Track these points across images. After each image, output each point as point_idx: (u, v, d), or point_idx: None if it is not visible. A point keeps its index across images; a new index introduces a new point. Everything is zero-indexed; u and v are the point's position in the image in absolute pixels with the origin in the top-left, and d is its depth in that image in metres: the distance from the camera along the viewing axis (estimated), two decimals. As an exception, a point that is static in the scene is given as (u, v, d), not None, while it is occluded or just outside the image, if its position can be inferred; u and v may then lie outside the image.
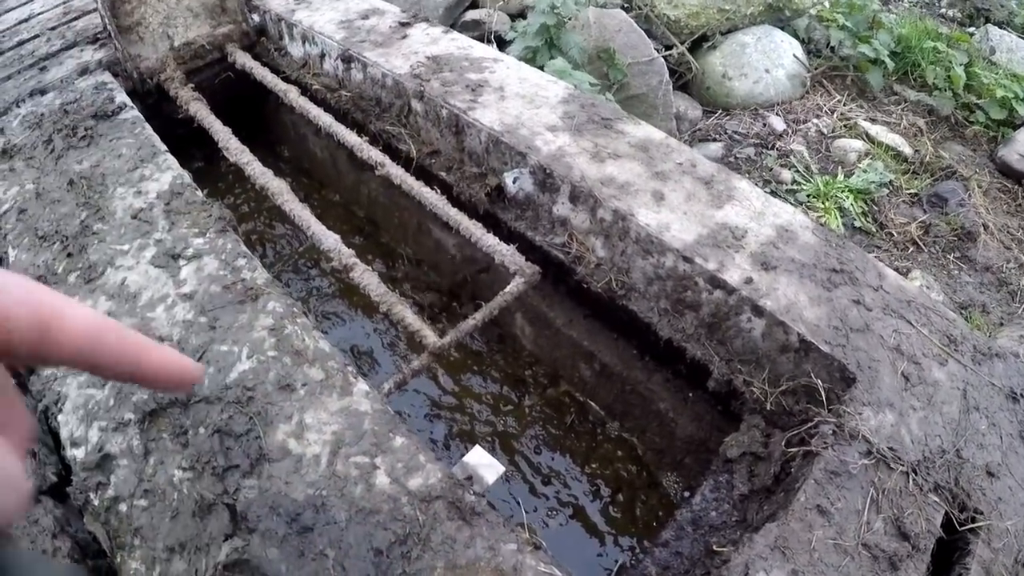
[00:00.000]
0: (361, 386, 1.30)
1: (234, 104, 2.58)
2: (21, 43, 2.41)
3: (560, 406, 2.07)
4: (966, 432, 1.37)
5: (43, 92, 2.11)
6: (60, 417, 1.32)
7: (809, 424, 1.38)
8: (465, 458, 1.37)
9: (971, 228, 3.64)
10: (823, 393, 1.42)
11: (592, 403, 2.06)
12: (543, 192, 1.82)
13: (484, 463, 1.36)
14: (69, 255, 1.59)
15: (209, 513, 1.14)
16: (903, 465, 1.28)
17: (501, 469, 1.37)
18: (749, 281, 1.53)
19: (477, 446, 1.41)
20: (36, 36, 2.44)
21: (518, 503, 1.86)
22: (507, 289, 1.67)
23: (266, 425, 1.24)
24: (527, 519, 1.82)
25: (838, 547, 1.17)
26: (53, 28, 2.49)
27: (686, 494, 1.84)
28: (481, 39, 3.75)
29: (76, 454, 1.26)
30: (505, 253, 1.72)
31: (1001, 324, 3.21)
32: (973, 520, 1.26)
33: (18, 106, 2.06)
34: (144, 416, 1.28)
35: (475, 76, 2.10)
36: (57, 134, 1.92)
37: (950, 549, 1.27)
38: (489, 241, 1.75)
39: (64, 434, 1.31)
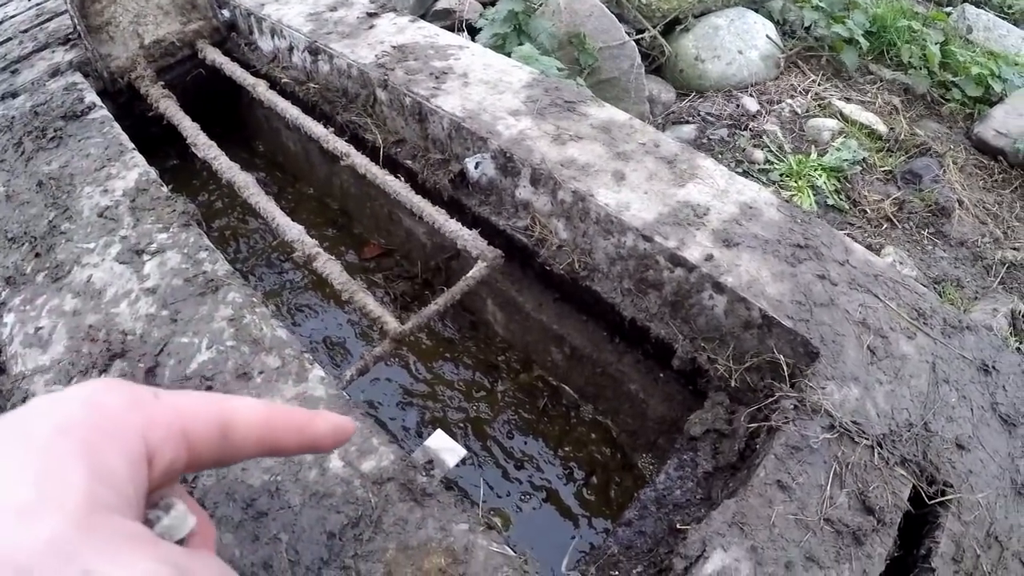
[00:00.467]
0: (317, 372, 1.30)
1: (208, 101, 2.58)
2: (-8, 46, 2.40)
3: (533, 391, 2.08)
4: (935, 405, 1.37)
5: (14, 95, 2.10)
6: (28, 414, 1.32)
7: (771, 399, 1.39)
8: (426, 442, 1.37)
9: (945, 204, 3.65)
10: (786, 368, 1.43)
11: (565, 386, 2.07)
12: (505, 176, 1.83)
13: (445, 447, 1.36)
14: (37, 255, 1.59)
15: (166, 502, 1.14)
16: (868, 439, 1.28)
17: (462, 452, 1.37)
18: (710, 258, 1.54)
19: (439, 430, 1.42)
20: (8, 39, 2.43)
21: (491, 487, 1.86)
22: (469, 274, 1.67)
23: (224, 413, 1.24)
24: (499, 504, 1.82)
25: (799, 522, 1.17)
26: (25, 31, 2.48)
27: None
28: (452, 28, 3.75)
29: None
30: (467, 238, 1.72)
31: (976, 298, 3.22)
32: (943, 493, 1.26)
33: (-10, 111, 2.06)
34: (106, 409, 1.28)
35: (440, 64, 2.11)
36: (27, 136, 1.91)
37: (920, 523, 1.28)
38: (452, 227, 1.75)
39: (31, 431, 1.31)
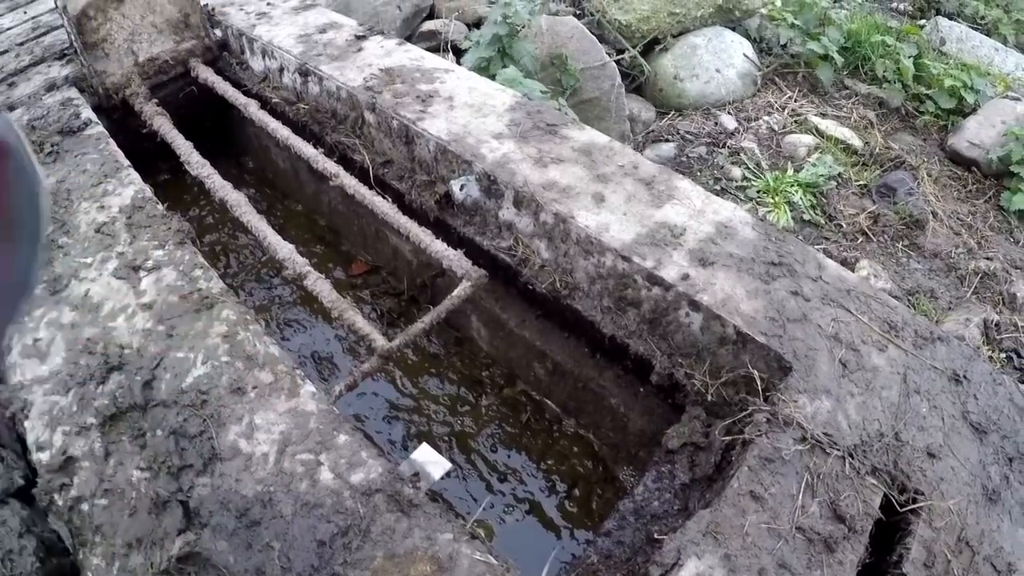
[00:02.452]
0: (308, 388, 1.35)
1: (199, 118, 2.62)
2: (-11, 60, 2.44)
3: (516, 405, 2.12)
4: (906, 415, 1.42)
5: (11, 108, 2.14)
6: (27, 423, 1.37)
7: (745, 413, 1.43)
8: (412, 455, 1.41)
9: (920, 216, 3.70)
10: (759, 383, 1.47)
11: (548, 401, 2.11)
12: (489, 198, 1.88)
13: (431, 460, 1.40)
14: (35, 269, 1.63)
15: (164, 510, 1.19)
16: (839, 450, 1.33)
17: (448, 465, 1.41)
18: (686, 277, 1.58)
19: (424, 444, 1.46)
20: (5, 52, 2.47)
21: (474, 499, 1.90)
22: (455, 292, 1.72)
23: (219, 426, 1.29)
24: (481, 515, 1.86)
25: (772, 531, 1.21)
26: (22, 44, 2.52)
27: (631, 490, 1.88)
28: (437, 49, 3.79)
29: (41, 457, 1.31)
30: (452, 258, 1.77)
31: (949, 308, 3.27)
32: (914, 501, 1.30)
33: (-14, 124, 2.09)
34: (105, 420, 1.32)
35: (426, 87, 2.15)
36: (25, 151, 1.95)
37: (891, 530, 1.32)
38: (437, 247, 1.80)
39: (30, 439, 1.35)
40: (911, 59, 4.57)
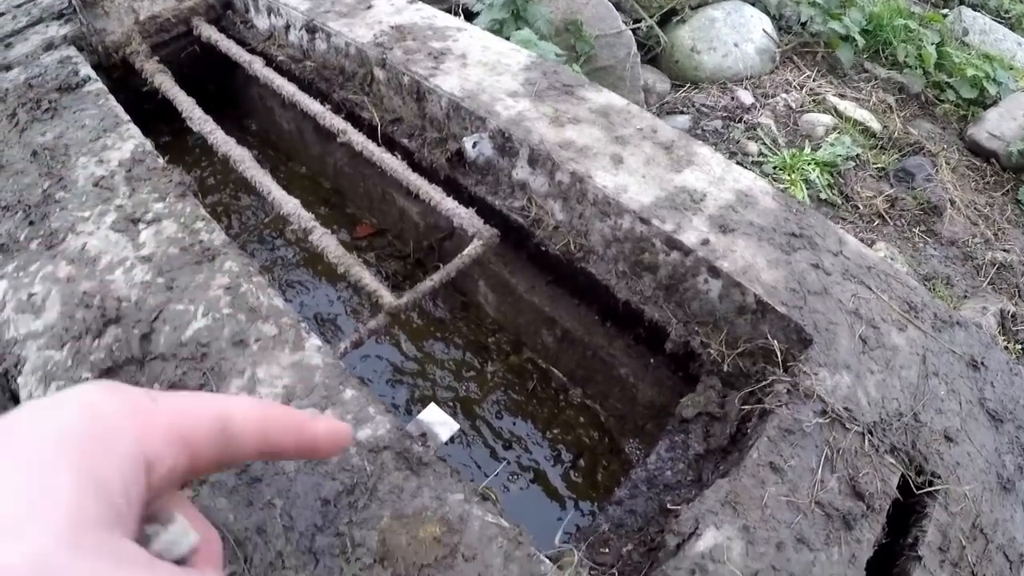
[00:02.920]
0: (313, 341, 1.30)
1: (202, 79, 2.56)
2: (-14, 21, 2.39)
3: (523, 372, 2.08)
4: (924, 397, 1.38)
5: (8, 68, 2.09)
6: (19, 379, 1.32)
7: (764, 383, 1.39)
8: (420, 415, 1.38)
9: (937, 203, 3.67)
10: (779, 354, 1.43)
11: (555, 369, 2.07)
12: (502, 156, 1.83)
13: (438, 420, 1.36)
14: (31, 223, 1.58)
15: (161, 465, 1.14)
16: (858, 426, 1.29)
17: (455, 427, 1.37)
18: (706, 243, 1.54)
19: (432, 404, 1.42)
20: (2, 14, 2.42)
21: (479, 466, 1.87)
22: (465, 251, 1.67)
23: (220, 380, 1.24)
24: (487, 482, 1.82)
25: (791, 504, 1.17)
26: (19, 5, 2.46)
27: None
28: (449, 11, 3.74)
29: (36, 416, 1.26)
30: (464, 216, 1.72)
31: (965, 297, 3.24)
32: (930, 484, 1.27)
33: (-16, 83, 2.05)
34: (101, 374, 1.27)
35: (438, 44, 2.10)
36: (21, 108, 1.90)
37: (907, 512, 1.28)
38: (448, 205, 1.75)
39: (23, 396, 1.30)
40: (934, 46, 4.53)
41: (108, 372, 1.27)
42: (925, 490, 1.26)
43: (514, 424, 1.96)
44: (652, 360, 1.80)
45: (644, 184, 1.65)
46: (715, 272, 1.51)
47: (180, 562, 0.55)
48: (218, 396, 0.62)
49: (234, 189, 2.58)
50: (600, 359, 1.88)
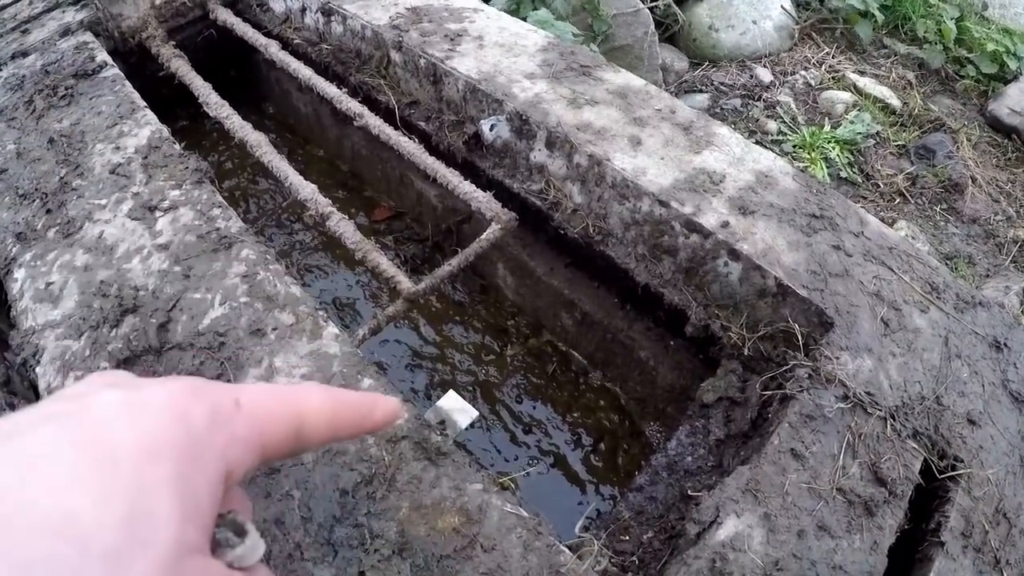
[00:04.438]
0: (331, 330, 1.29)
1: (218, 63, 2.55)
2: (3, 7, 2.37)
3: (542, 356, 2.07)
4: (947, 379, 1.37)
5: (25, 54, 2.08)
6: (38, 369, 1.32)
7: (785, 368, 1.38)
8: (439, 403, 1.37)
9: (959, 180, 3.63)
10: (800, 338, 1.42)
11: (574, 352, 2.06)
12: (520, 139, 1.82)
13: (457, 407, 1.36)
14: (48, 211, 1.58)
15: (178, 456, 1.14)
16: (881, 410, 1.28)
17: (474, 413, 1.37)
18: (726, 225, 1.53)
19: (451, 391, 1.42)
20: (18, 0, 2.42)
21: (499, 451, 1.87)
22: (483, 235, 1.66)
23: (237, 369, 1.24)
24: (507, 468, 1.82)
25: (812, 491, 1.17)
26: (36, -9, 2.46)
27: (664, 444, 1.84)
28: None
29: (54, 407, 1.26)
30: (482, 200, 1.71)
31: (987, 276, 3.21)
32: (953, 468, 1.26)
33: (0, 69, 2.05)
34: (119, 364, 1.27)
35: (454, 26, 2.09)
36: (38, 94, 1.90)
37: (929, 496, 1.27)
38: (466, 188, 1.74)
39: (42, 386, 1.30)
40: (953, 21, 4.47)
41: (126, 362, 1.27)
42: (948, 475, 1.25)
43: (534, 408, 1.96)
44: (672, 343, 1.79)
45: (663, 166, 1.64)
46: (735, 255, 1.50)
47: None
48: (295, 392, 0.61)
49: (251, 173, 2.58)
50: (619, 342, 1.87)
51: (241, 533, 0.55)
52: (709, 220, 1.53)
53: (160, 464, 0.47)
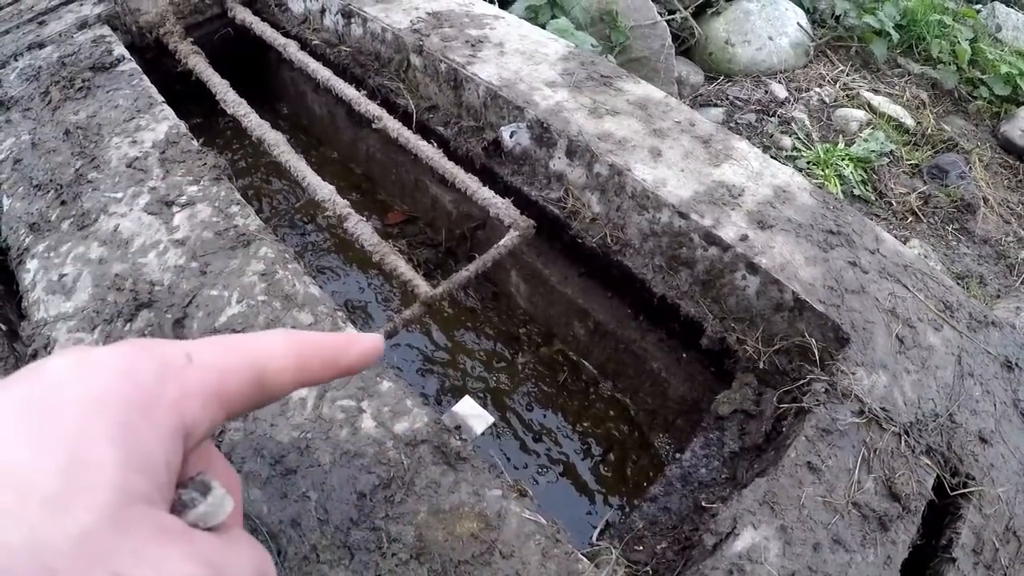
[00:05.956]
0: (349, 330, 1.29)
1: (234, 61, 2.55)
2: (21, -2, 2.39)
3: (553, 364, 2.07)
4: (960, 397, 1.37)
5: (41, 46, 2.09)
6: (50, 362, 1.32)
7: (802, 382, 1.39)
8: (454, 408, 1.37)
9: (971, 201, 3.63)
10: (816, 352, 1.42)
11: (585, 362, 2.06)
12: (540, 147, 1.81)
13: (473, 413, 1.36)
14: (63, 203, 1.58)
15: (194, 454, 1.13)
16: (895, 426, 1.28)
17: (490, 419, 1.37)
18: (744, 239, 1.53)
19: (467, 396, 1.42)
20: (36, -9, 2.42)
21: (508, 458, 1.86)
22: (501, 242, 1.66)
23: (254, 368, 1.23)
24: (517, 475, 1.82)
25: (828, 505, 1.17)
26: (53, -17, 2.46)
27: (677, 456, 1.84)
28: (483, -1, 3.73)
29: (64, 399, 1.25)
30: (500, 206, 1.71)
31: (998, 296, 3.21)
32: (965, 485, 1.26)
33: (16, 59, 2.04)
34: (133, 359, 1.27)
35: (475, 32, 2.09)
36: (54, 86, 1.90)
37: (940, 513, 1.27)
38: (484, 194, 1.74)
39: (53, 379, 1.30)
40: (967, 42, 4.48)
41: (141, 357, 1.27)
42: (959, 491, 1.25)
43: (544, 416, 1.95)
44: (684, 355, 1.79)
45: (683, 178, 1.64)
46: (753, 268, 1.50)
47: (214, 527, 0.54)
48: (251, 340, 0.60)
49: (265, 173, 2.58)
50: (632, 352, 1.87)
51: (205, 492, 0.54)
52: (728, 233, 1.53)
53: (104, 415, 0.47)
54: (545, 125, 1.77)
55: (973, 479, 1.27)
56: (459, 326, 2.15)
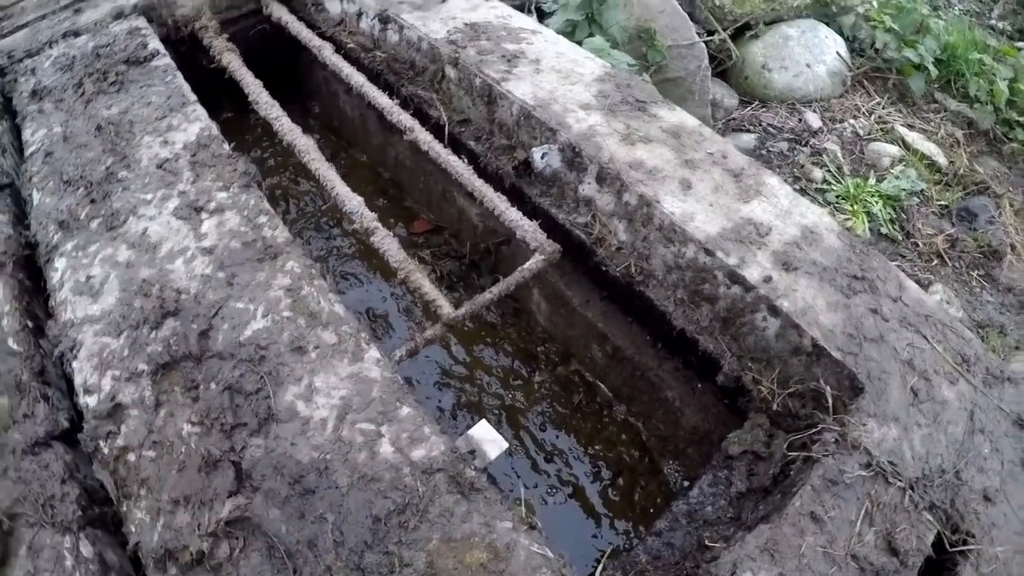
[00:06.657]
0: (372, 353, 1.30)
1: (267, 57, 2.57)
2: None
3: (569, 385, 2.08)
4: (968, 454, 1.37)
5: (76, 34, 2.10)
6: (75, 363, 1.34)
7: (813, 430, 1.39)
8: (470, 431, 1.38)
9: (998, 247, 3.60)
10: (830, 400, 1.42)
11: (601, 385, 2.07)
12: (570, 170, 1.82)
13: (488, 438, 1.37)
14: (92, 201, 1.59)
15: (215, 469, 1.15)
16: (901, 480, 1.29)
17: (504, 445, 1.38)
18: (768, 280, 1.53)
19: (483, 420, 1.43)
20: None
21: (519, 476, 1.87)
22: (526, 265, 1.67)
23: (276, 385, 1.25)
24: (525, 495, 1.83)
25: (827, 555, 1.18)
26: (90, -30, 2.48)
27: (685, 484, 1.84)
28: (522, 8, 3.71)
29: (89, 401, 1.28)
30: (527, 229, 1.72)
31: (1017, 347, 3.19)
32: (964, 543, 1.27)
33: (51, 47, 2.05)
34: (157, 368, 1.28)
35: (512, 47, 2.10)
36: (88, 78, 1.91)
37: (937, 568, 1.28)
38: (512, 215, 1.75)
39: (78, 381, 1.32)
40: (1006, 82, 4.44)
41: (165, 366, 1.28)
42: (958, 549, 1.26)
43: (557, 437, 1.97)
44: (699, 386, 1.79)
45: (711, 213, 1.64)
46: (775, 311, 1.50)
47: None
48: None
49: (293, 173, 2.60)
50: (648, 379, 1.88)
51: None
52: (752, 273, 1.54)
53: None
54: (577, 149, 1.77)
55: (973, 537, 1.27)
56: (478, 341, 2.16)
